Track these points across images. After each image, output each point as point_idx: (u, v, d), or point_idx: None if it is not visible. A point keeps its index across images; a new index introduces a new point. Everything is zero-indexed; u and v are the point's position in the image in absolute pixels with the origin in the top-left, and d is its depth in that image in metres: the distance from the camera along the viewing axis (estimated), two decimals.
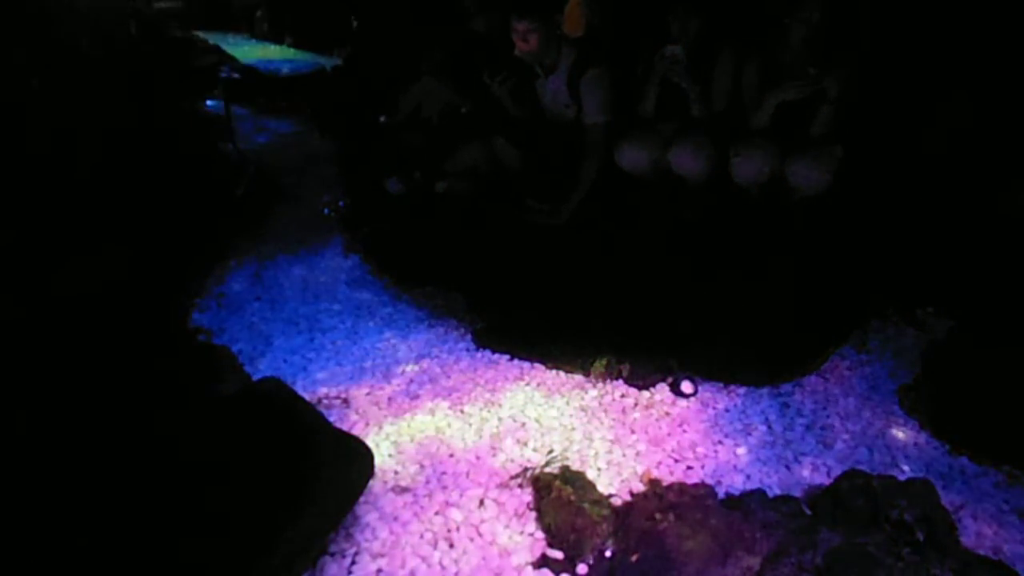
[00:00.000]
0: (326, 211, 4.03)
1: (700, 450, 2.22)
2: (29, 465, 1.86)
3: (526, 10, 2.92)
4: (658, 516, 1.83)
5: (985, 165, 2.77)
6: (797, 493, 2.00)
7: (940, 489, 1.90)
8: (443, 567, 1.80)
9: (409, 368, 2.64)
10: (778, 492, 2.00)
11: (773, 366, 2.56)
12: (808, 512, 1.86)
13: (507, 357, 2.71)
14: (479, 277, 3.14)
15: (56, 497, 1.74)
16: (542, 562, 1.82)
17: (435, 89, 3.64)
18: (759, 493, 1.93)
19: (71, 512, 1.70)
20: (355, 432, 2.16)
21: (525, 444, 2.23)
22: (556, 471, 2.05)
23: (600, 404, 2.44)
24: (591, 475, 2.07)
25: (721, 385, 2.53)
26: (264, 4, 7.88)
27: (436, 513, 1.96)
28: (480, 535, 1.89)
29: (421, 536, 1.88)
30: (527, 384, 2.55)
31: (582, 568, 1.80)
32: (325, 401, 2.43)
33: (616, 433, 2.29)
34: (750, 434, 2.29)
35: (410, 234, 3.46)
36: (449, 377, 2.59)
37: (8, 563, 1.57)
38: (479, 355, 2.74)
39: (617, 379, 2.54)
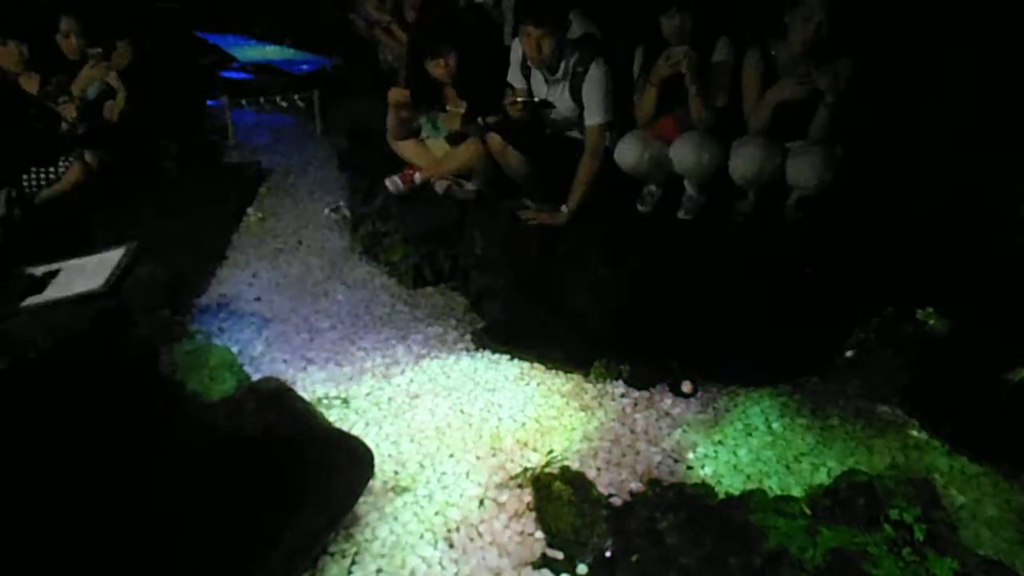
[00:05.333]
0: (326, 211, 4.03)
1: (700, 450, 2.22)
2: (30, 466, 1.86)
3: (541, 18, 2.95)
4: (658, 516, 1.82)
5: (984, 164, 2.77)
6: (797, 493, 2.00)
7: (940, 489, 1.90)
8: (443, 567, 1.80)
9: (409, 368, 2.63)
10: (778, 492, 2.00)
11: (773, 366, 2.56)
12: (808, 512, 1.86)
13: (507, 357, 2.71)
14: (478, 277, 3.14)
15: (59, 497, 1.74)
16: (542, 562, 1.82)
17: (435, 120, 3.66)
18: (759, 493, 1.93)
19: (73, 511, 1.70)
20: (355, 432, 2.16)
21: (525, 444, 2.23)
22: (556, 471, 2.05)
23: (600, 404, 2.44)
24: (591, 475, 2.07)
25: (721, 385, 2.53)
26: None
27: (436, 513, 1.96)
28: (480, 535, 1.89)
29: (421, 536, 1.89)
30: (527, 384, 2.55)
31: (582, 568, 1.80)
32: (325, 401, 2.43)
33: (616, 433, 2.29)
34: (750, 434, 2.29)
35: (409, 234, 3.45)
36: (449, 377, 2.59)
37: (11, 562, 1.58)
38: (479, 355, 2.74)
39: (617, 379, 2.54)
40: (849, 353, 2.66)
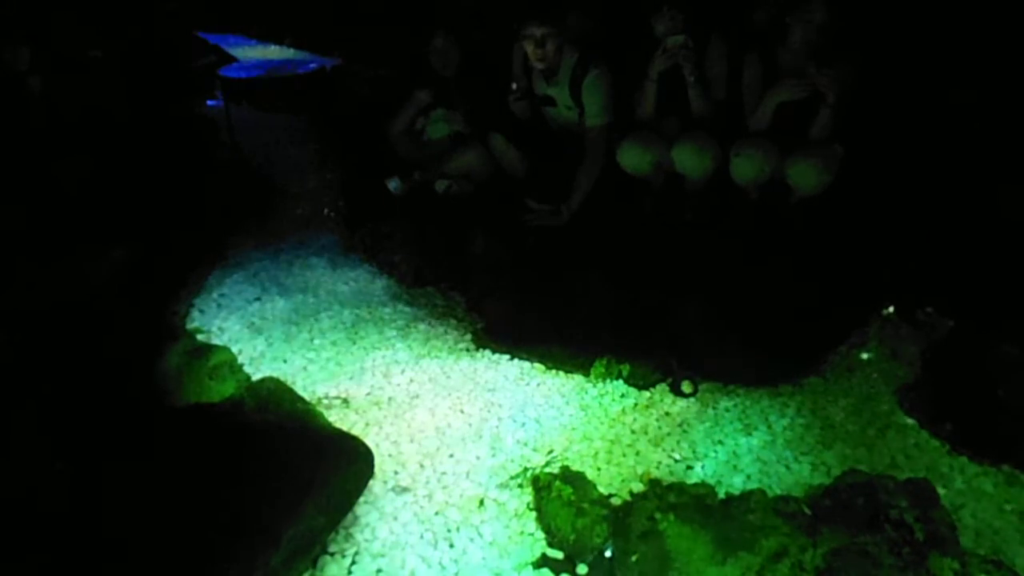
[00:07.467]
0: (326, 211, 4.03)
1: (700, 450, 2.22)
2: (35, 466, 1.86)
3: (544, 17, 2.95)
4: (658, 516, 1.83)
5: (985, 165, 2.77)
6: (797, 493, 2.00)
7: (940, 489, 1.90)
8: (443, 567, 1.80)
9: (409, 368, 2.63)
10: (778, 492, 2.00)
11: (773, 366, 2.56)
12: (808, 512, 1.86)
13: (507, 357, 2.71)
14: (478, 277, 3.14)
15: (61, 496, 1.74)
16: (542, 562, 1.82)
17: (442, 116, 3.66)
18: (759, 493, 1.93)
19: (76, 511, 1.70)
20: (355, 432, 2.16)
21: (525, 444, 2.23)
22: (556, 471, 2.05)
23: (600, 404, 2.44)
24: (591, 475, 2.07)
25: (721, 385, 2.53)
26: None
27: (436, 513, 1.96)
28: (480, 535, 1.90)
29: (421, 536, 1.89)
30: (527, 384, 2.55)
31: (582, 568, 1.81)
32: (325, 401, 2.43)
33: (616, 433, 2.29)
34: (750, 434, 2.29)
35: (410, 234, 3.45)
36: (449, 377, 2.59)
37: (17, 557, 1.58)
38: (479, 355, 2.74)
39: (617, 379, 2.54)
40: (851, 353, 2.66)
